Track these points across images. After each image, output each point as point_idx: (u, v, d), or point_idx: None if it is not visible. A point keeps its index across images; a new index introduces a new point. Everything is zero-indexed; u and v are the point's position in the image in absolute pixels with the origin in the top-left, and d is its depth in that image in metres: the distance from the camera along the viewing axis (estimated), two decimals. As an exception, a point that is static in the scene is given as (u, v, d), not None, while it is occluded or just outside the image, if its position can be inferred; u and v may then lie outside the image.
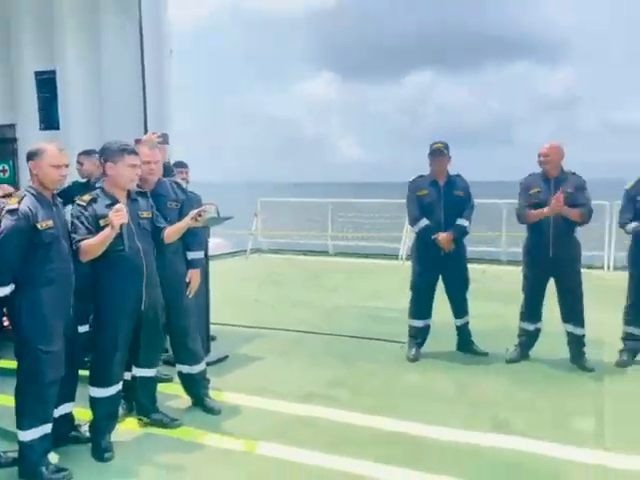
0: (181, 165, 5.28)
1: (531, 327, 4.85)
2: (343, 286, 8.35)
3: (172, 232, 3.59)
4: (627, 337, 4.86)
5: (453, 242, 4.84)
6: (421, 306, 4.99)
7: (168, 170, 4.18)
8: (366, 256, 11.04)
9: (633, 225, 4.67)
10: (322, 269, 10.01)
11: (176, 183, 3.97)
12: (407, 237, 9.74)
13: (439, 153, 4.83)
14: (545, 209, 4.53)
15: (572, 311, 4.74)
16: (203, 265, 4.12)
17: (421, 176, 4.95)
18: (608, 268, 9.18)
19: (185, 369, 3.95)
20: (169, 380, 4.28)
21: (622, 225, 4.80)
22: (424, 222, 4.84)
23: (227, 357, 4.94)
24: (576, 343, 4.76)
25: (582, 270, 4.78)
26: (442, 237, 4.79)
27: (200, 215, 3.54)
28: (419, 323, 5.04)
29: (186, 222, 3.55)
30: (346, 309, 6.79)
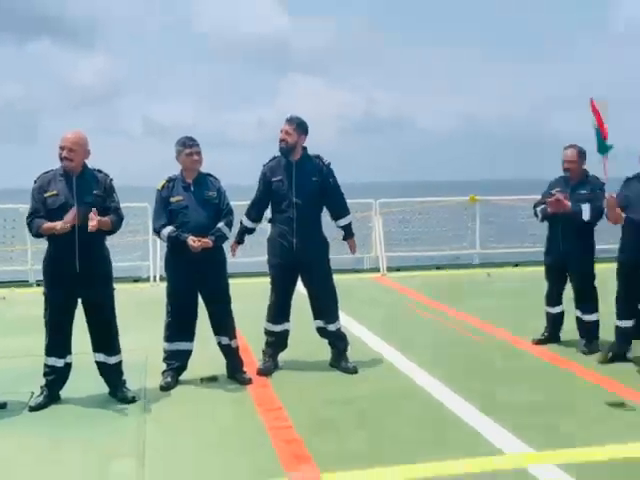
0: None
1: (60, 363, 4.45)
2: None
3: None
4: (169, 356, 4.83)
5: None
6: None
7: None
8: None
9: (169, 230, 4.61)
10: None
11: None
12: None
13: None
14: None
15: (104, 339, 4.48)
16: None
17: None
18: (154, 279, 9.30)
19: None
20: None
21: (156, 231, 4.73)
22: None
23: None
24: (111, 374, 4.51)
25: (122, 286, 4.55)
26: None
27: None
28: None
29: None
30: None
